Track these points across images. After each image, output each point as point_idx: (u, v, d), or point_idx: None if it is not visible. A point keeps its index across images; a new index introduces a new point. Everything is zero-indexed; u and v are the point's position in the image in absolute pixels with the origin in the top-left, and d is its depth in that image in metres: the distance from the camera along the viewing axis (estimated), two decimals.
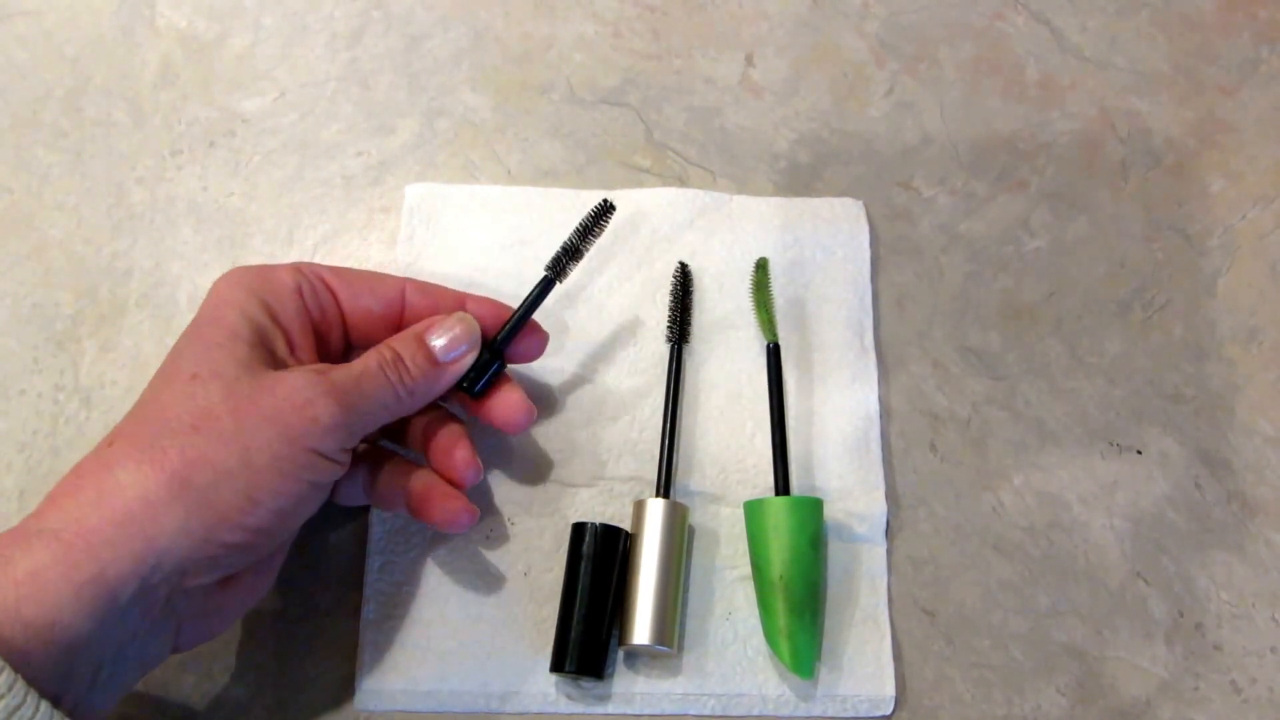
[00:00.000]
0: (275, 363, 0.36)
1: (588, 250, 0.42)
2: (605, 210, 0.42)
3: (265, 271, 0.38)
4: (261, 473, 0.33)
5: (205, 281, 0.46)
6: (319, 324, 0.39)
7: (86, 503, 0.31)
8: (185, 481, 0.32)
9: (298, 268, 0.38)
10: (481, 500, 0.44)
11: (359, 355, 0.38)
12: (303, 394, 0.34)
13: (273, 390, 0.34)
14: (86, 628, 0.30)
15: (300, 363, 0.37)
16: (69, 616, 0.29)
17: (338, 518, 0.43)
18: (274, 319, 0.36)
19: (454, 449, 0.40)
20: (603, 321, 0.47)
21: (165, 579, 0.32)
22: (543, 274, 0.42)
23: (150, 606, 0.32)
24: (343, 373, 0.36)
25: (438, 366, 0.39)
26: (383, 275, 0.41)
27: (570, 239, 0.42)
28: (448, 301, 0.41)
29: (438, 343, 0.39)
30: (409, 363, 0.38)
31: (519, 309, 0.42)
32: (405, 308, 0.40)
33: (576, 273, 0.46)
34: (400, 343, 0.38)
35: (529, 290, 0.41)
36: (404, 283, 0.41)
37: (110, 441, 0.33)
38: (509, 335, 0.41)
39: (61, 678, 0.30)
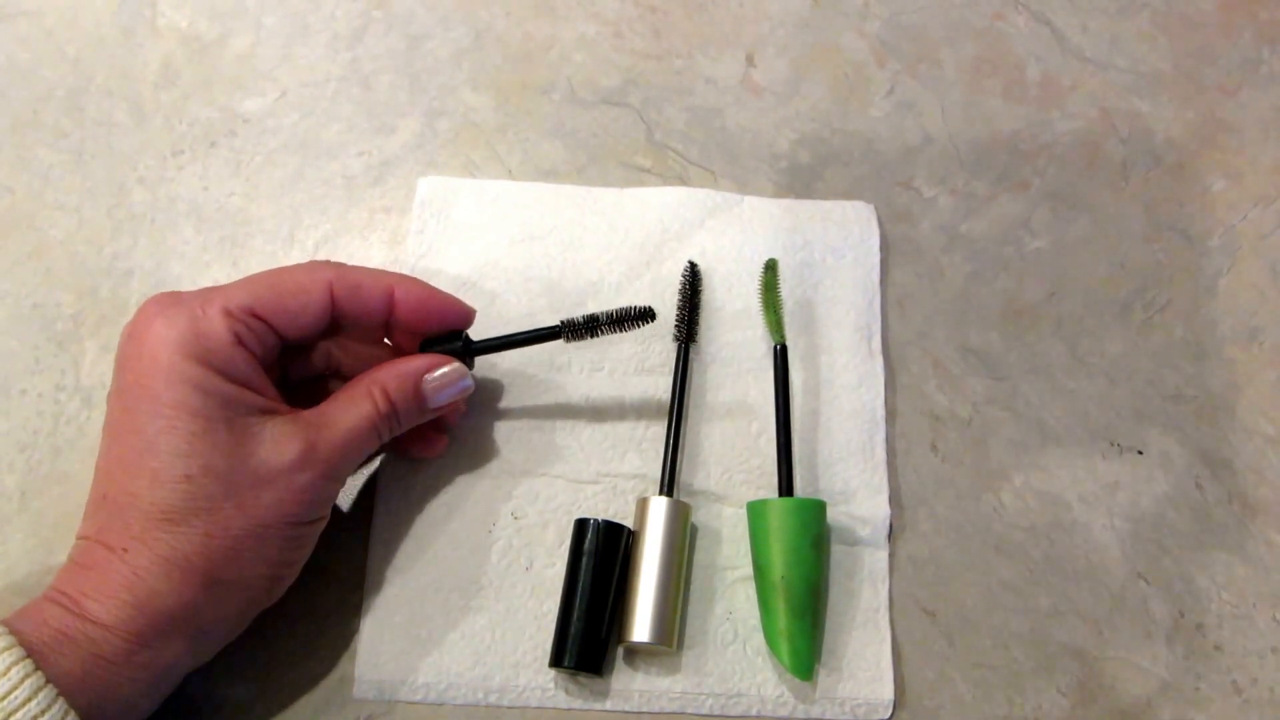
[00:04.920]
0: (249, 417, 0.36)
1: (605, 335, 0.41)
2: (645, 315, 0.41)
3: (199, 330, 0.35)
4: (274, 550, 0.36)
5: (206, 281, 0.46)
6: (264, 359, 0.37)
7: (129, 605, 0.33)
8: (215, 579, 0.35)
9: (228, 312, 0.36)
10: (485, 494, 0.44)
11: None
12: (300, 478, 0.36)
13: (271, 482, 0.35)
14: (144, 704, 0.35)
15: (267, 400, 0.37)
16: (128, 692, 0.34)
17: (338, 518, 0.43)
18: (232, 380, 0.35)
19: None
20: None
21: (212, 644, 0.37)
22: (556, 324, 0.41)
23: (198, 661, 0.37)
24: (329, 436, 0.37)
25: (427, 412, 0.40)
26: (307, 281, 0.38)
27: (601, 315, 0.41)
28: (376, 295, 0.39)
29: (438, 398, 0.40)
30: (402, 415, 0.39)
31: (512, 336, 0.41)
32: (336, 311, 0.39)
33: (585, 269, 0.46)
34: (398, 393, 0.39)
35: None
36: (329, 284, 0.38)
37: (124, 547, 0.34)
38: (486, 349, 0.42)
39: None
